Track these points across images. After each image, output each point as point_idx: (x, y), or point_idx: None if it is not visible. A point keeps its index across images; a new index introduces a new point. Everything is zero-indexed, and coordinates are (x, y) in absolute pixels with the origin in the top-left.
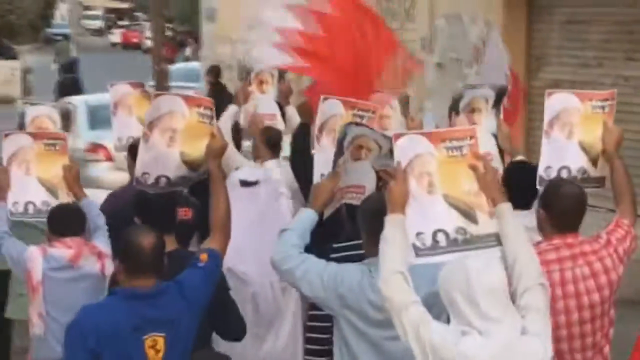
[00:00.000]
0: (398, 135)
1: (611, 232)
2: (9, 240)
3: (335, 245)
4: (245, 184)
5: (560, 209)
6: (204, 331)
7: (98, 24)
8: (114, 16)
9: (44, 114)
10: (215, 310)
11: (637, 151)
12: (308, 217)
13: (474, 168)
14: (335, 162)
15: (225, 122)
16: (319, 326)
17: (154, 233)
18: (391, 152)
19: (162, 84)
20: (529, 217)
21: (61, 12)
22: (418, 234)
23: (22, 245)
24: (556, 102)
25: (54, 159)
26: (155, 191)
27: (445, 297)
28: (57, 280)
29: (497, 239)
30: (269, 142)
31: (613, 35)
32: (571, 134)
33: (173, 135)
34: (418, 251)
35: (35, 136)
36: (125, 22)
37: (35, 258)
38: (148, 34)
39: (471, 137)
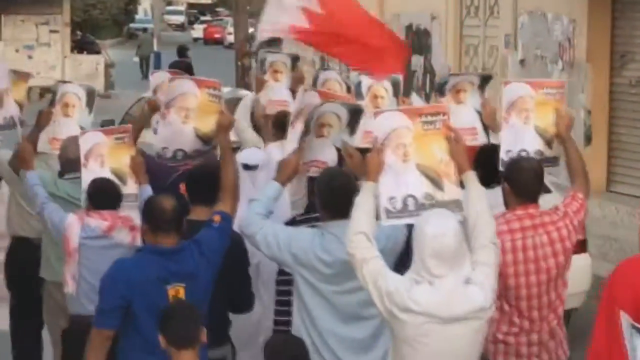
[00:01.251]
0: (378, 112)
1: (568, 205)
2: (51, 205)
3: (298, 218)
4: (246, 167)
5: (521, 181)
6: (223, 319)
7: (180, 19)
8: (196, 11)
9: (72, 91)
10: (234, 282)
11: None
12: (273, 188)
13: (448, 138)
14: (301, 139)
15: (244, 109)
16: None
17: (174, 197)
18: (348, 124)
19: (244, 79)
20: (491, 195)
21: (144, 7)
22: (390, 198)
23: (62, 212)
24: (512, 90)
25: (123, 150)
26: (174, 163)
27: (412, 251)
28: (92, 248)
29: (458, 206)
30: (275, 124)
31: None
32: (527, 120)
33: (187, 114)
34: (389, 214)
35: (105, 132)
36: (207, 18)
37: (74, 226)
38: (230, 29)
39: (444, 114)
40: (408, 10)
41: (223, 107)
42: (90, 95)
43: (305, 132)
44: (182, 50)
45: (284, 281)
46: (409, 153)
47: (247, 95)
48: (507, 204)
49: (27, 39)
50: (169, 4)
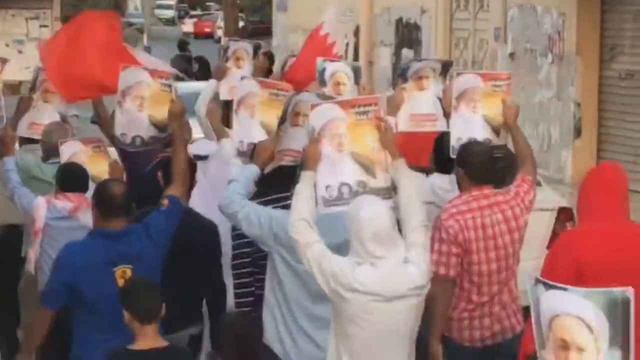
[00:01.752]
0: (314, 105)
1: (518, 186)
2: (21, 190)
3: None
4: (197, 157)
5: (474, 164)
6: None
7: (171, 13)
8: (187, 6)
9: None
10: (208, 270)
11: None
12: (251, 171)
13: (378, 127)
14: (278, 127)
15: (206, 95)
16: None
17: (123, 183)
18: None
19: None
20: (447, 181)
21: (135, 2)
22: (327, 187)
23: (32, 195)
24: (462, 81)
25: (101, 158)
26: (133, 149)
27: (349, 236)
28: (57, 228)
29: (389, 192)
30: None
31: None
32: (475, 109)
33: (142, 102)
34: (325, 202)
35: (84, 142)
36: (197, 12)
37: (40, 208)
38: (220, 23)
39: (375, 104)
40: (398, 4)
41: (174, 96)
42: None
43: (282, 120)
44: (182, 45)
45: (239, 264)
46: (344, 143)
47: (210, 82)
48: (461, 187)
49: (17, 33)
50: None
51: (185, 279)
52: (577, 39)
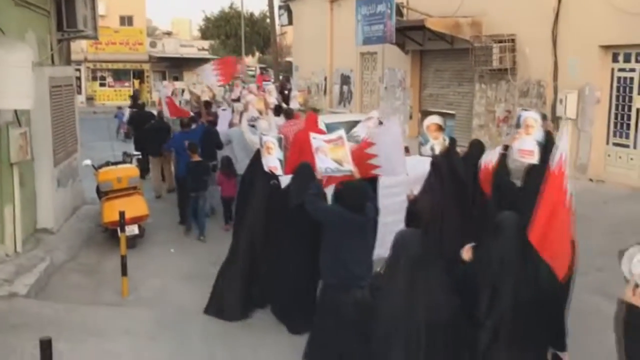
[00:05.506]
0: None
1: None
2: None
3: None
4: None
5: (289, 114)
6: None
7: (252, 73)
8: (260, 69)
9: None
10: (212, 139)
11: (464, 128)
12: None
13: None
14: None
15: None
16: None
17: (192, 118)
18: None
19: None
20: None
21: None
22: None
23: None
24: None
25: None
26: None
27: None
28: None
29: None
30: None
31: (454, 75)
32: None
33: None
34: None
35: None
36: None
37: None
38: (272, 77)
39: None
40: (341, 67)
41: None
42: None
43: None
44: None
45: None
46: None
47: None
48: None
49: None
50: (248, 67)
51: (209, 146)
52: (411, 80)
